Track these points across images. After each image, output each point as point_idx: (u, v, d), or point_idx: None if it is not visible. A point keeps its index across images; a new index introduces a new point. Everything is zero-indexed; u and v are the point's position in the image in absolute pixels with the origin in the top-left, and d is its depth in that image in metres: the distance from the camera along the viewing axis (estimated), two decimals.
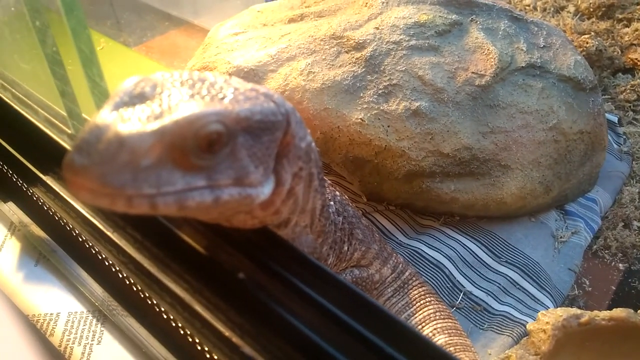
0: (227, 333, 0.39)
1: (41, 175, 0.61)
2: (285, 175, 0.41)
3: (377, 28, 0.85)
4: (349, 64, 0.83)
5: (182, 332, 0.52)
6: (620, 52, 1.25)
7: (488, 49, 0.84)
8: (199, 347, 0.50)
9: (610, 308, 0.81)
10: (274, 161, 0.40)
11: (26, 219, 0.71)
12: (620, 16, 1.31)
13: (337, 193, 0.65)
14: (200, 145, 0.33)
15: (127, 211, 0.33)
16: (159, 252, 0.42)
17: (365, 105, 0.80)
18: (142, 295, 0.55)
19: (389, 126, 0.79)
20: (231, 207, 0.38)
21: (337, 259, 0.63)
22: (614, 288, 0.85)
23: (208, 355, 0.49)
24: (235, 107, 0.35)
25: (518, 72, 0.85)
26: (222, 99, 0.36)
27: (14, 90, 0.58)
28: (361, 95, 0.80)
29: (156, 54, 1.41)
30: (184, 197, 0.34)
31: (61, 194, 0.59)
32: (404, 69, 0.81)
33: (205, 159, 0.34)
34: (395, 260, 0.73)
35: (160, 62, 1.39)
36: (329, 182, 0.66)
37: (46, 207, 0.66)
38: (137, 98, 0.34)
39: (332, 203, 0.61)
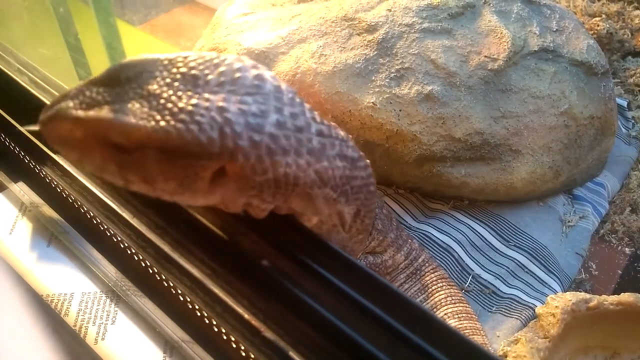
0: (248, 317, 0.39)
1: (52, 155, 0.61)
2: None
3: (390, 10, 0.84)
4: (361, 46, 0.82)
5: (199, 313, 0.53)
6: (630, 35, 1.23)
7: (501, 33, 0.83)
8: (215, 329, 0.51)
9: (616, 291, 0.82)
10: None
11: (37, 200, 0.71)
12: None
13: None
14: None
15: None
16: (181, 238, 0.42)
17: (377, 89, 0.79)
18: (159, 278, 0.56)
19: (400, 110, 0.79)
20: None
21: None
22: (620, 272, 0.86)
23: (225, 337, 0.50)
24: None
25: (531, 56, 0.84)
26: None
27: (31, 75, 0.58)
28: (373, 78, 0.80)
29: (161, 33, 1.39)
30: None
31: (74, 174, 0.58)
32: (416, 52, 0.81)
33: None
34: (410, 247, 0.73)
35: (166, 41, 1.37)
36: None
37: (60, 188, 0.66)
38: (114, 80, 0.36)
39: None
